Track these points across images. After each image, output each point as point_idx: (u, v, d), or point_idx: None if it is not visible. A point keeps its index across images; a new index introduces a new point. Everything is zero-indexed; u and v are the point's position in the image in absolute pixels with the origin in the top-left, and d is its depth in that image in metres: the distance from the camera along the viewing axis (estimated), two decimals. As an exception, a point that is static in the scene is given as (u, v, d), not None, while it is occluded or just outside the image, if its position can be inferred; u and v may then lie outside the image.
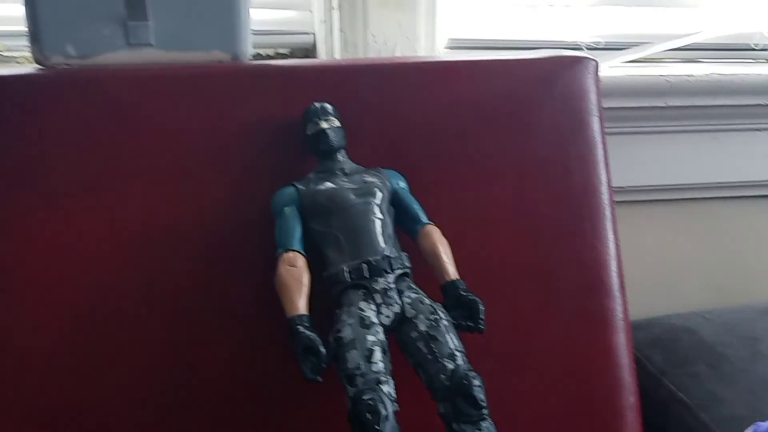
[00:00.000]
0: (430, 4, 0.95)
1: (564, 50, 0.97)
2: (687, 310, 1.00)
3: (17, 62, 0.92)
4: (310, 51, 1.00)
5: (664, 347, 0.90)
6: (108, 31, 0.67)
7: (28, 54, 0.91)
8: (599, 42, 1.04)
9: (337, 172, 0.65)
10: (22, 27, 0.83)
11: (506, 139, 0.72)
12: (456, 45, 1.01)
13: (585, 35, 1.05)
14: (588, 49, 1.03)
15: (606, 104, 0.84)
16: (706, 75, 0.94)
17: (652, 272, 1.03)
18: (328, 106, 0.66)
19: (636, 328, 0.94)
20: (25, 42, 0.89)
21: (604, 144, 0.75)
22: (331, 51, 0.96)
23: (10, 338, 0.62)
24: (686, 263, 1.05)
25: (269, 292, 0.60)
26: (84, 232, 0.64)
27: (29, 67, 0.69)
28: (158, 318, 0.65)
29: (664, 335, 0.92)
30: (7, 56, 0.91)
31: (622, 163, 0.95)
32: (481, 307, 0.62)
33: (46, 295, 0.63)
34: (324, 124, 0.65)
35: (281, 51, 1.00)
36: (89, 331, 0.64)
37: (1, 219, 0.63)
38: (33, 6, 0.66)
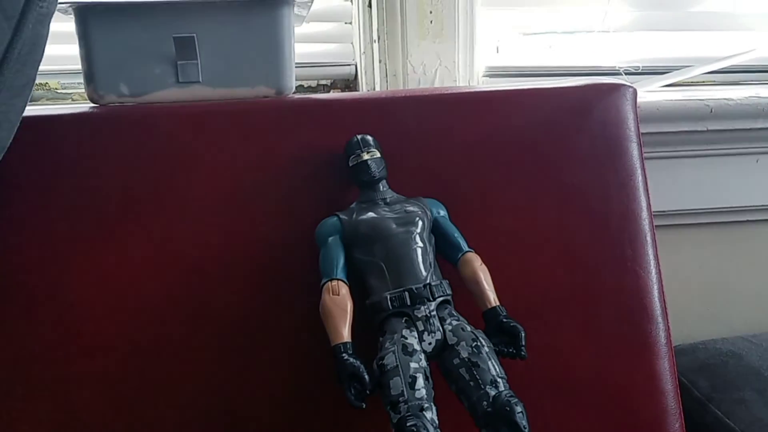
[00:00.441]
0: (468, 34, 0.97)
1: (602, 77, 0.98)
2: (732, 335, 0.99)
3: (72, 99, 0.96)
4: (351, 81, 1.02)
5: (709, 372, 0.89)
6: (159, 70, 0.70)
7: (82, 91, 0.95)
8: (637, 66, 1.04)
9: (379, 201, 0.67)
10: (76, 66, 0.87)
11: (545, 167, 0.73)
12: (494, 73, 1.03)
13: (623, 60, 1.05)
14: (626, 73, 1.03)
15: (645, 129, 0.85)
16: (746, 98, 0.94)
17: (696, 296, 1.02)
18: (369, 138, 0.68)
19: (680, 354, 0.94)
20: (79, 80, 0.94)
21: (643, 170, 0.75)
22: (372, 81, 0.98)
23: (69, 365, 0.65)
24: (731, 287, 1.04)
25: (314, 320, 0.62)
26: (137, 263, 0.66)
27: (84, 106, 0.72)
28: (208, 346, 0.67)
29: (710, 360, 0.91)
30: (62, 94, 0.96)
31: (664, 187, 0.95)
32: (523, 334, 0.63)
33: (101, 323, 0.66)
34: (366, 156, 0.67)
35: (323, 82, 1.03)
36: (141, 359, 0.66)
37: (60, 250, 0.66)
38: (88, 48, 0.69)
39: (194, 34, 0.69)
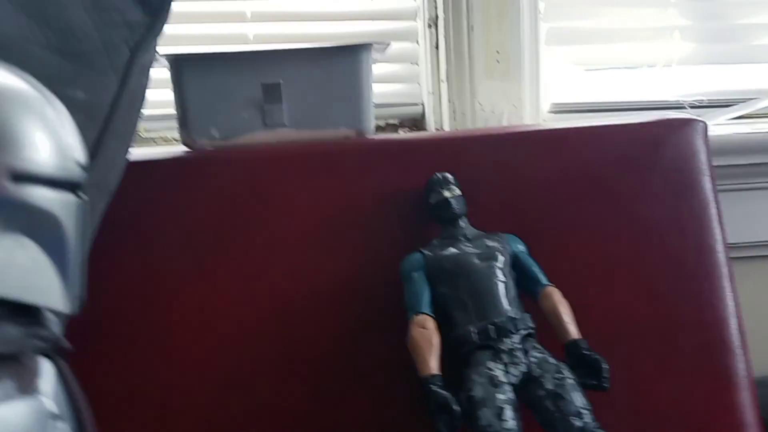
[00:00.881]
0: (533, 73, 0.99)
1: (670, 111, 0.99)
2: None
3: (155, 142, 1.00)
4: (418, 121, 1.05)
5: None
6: (247, 115, 0.73)
7: (164, 135, 1.00)
8: (702, 100, 1.05)
9: (460, 237, 0.69)
10: (160, 111, 0.92)
11: (619, 202, 0.75)
12: (560, 109, 1.04)
13: (687, 94, 1.06)
14: (691, 107, 1.04)
15: (716, 162, 0.85)
16: (821, 130, 0.95)
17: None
18: (449, 176, 0.71)
19: (762, 386, 0.93)
20: (162, 124, 0.99)
21: (716, 202, 0.76)
22: (439, 120, 1.01)
23: (168, 398, 0.68)
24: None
25: (400, 353, 0.64)
26: (231, 297, 0.70)
27: (178, 149, 0.76)
28: (298, 376, 0.69)
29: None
30: (147, 138, 1.00)
31: (738, 219, 0.95)
32: (605, 366, 0.64)
33: (198, 355, 0.69)
34: (447, 193, 0.69)
35: (391, 122, 1.06)
36: (236, 390, 0.69)
37: (159, 286, 0.69)
38: (182, 95, 0.73)
39: (280, 81, 0.72)
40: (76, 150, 0.36)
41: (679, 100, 1.05)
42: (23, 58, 0.59)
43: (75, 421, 0.35)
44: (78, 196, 0.35)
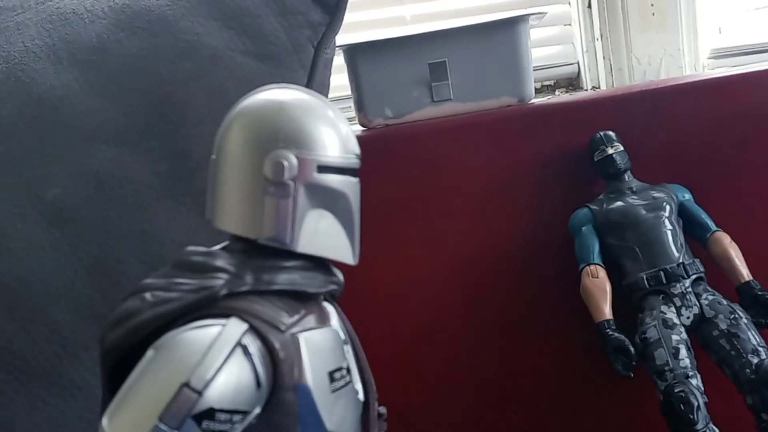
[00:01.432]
0: (690, 20, 0.99)
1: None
2: None
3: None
4: (574, 80, 1.08)
5: None
6: (416, 93, 0.80)
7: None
8: None
9: (626, 191, 0.72)
10: (333, 93, 1.00)
11: (787, 144, 0.75)
12: (719, 54, 1.03)
13: None
14: None
15: None
16: None
17: None
18: (611, 134, 0.74)
19: None
20: (337, 105, 1.08)
21: None
22: (596, 78, 1.03)
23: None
24: None
25: (573, 303, 0.70)
26: (414, 261, 0.77)
27: (356, 129, 0.84)
28: (480, 328, 0.76)
29: None
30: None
31: None
32: (781, 304, 0.66)
33: (387, 315, 0.77)
34: (610, 150, 0.73)
35: (546, 83, 1.10)
36: (423, 342, 0.77)
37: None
38: (357, 80, 0.81)
39: (446, 59, 0.79)
40: (352, 142, 0.46)
41: None
42: (229, 65, 0.69)
43: (352, 346, 0.47)
44: (356, 177, 0.46)
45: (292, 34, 0.72)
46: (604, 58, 1.01)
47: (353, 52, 0.80)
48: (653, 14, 0.97)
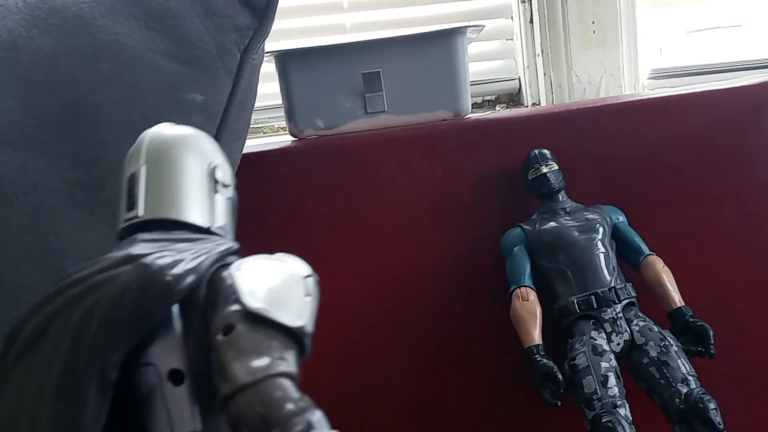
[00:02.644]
0: (631, 40, 0.98)
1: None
2: None
3: (263, 133, 1.07)
4: (515, 95, 1.06)
5: None
6: (349, 104, 0.77)
7: (271, 125, 1.06)
8: (813, 55, 1.01)
9: (560, 211, 0.71)
10: (264, 103, 0.97)
11: (723, 168, 0.74)
12: (659, 75, 1.03)
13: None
14: (800, 63, 1.01)
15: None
16: None
17: None
18: (546, 152, 0.72)
19: None
20: (268, 115, 1.05)
21: (828, 164, 0.74)
22: (536, 94, 1.02)
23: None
24: None
25: (503, 325, 0.67)
26: (343, 277, 0.74)
27: (286, 140, 0.81)
28: (408, 349, 0.74)
29: None
30: (255, 128, 1.07)
31: None
32: (711, 332, 0.65)
33: (315, 333, 0.74)
34: (544, 169, 0.71)
35: (488, 98, 1.08)
36: (351, 363, 0.74)
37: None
38: (288, 89, 0.78)
39: (380, 69, 0.76)
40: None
41: (787, 57, 1.02)
42: (149, 67, 0.65)
43: None
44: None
45: (218, 38, 0.68)
46: (544, 74, 0.99)
47: (284, 59, 0.77)
48: (594, 32, 0.96)
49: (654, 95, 0.79)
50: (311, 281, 0.40)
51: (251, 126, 1.07)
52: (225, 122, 0.69)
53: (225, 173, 0.48)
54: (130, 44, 0.65)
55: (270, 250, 0.75)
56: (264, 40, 0.71)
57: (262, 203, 0.76)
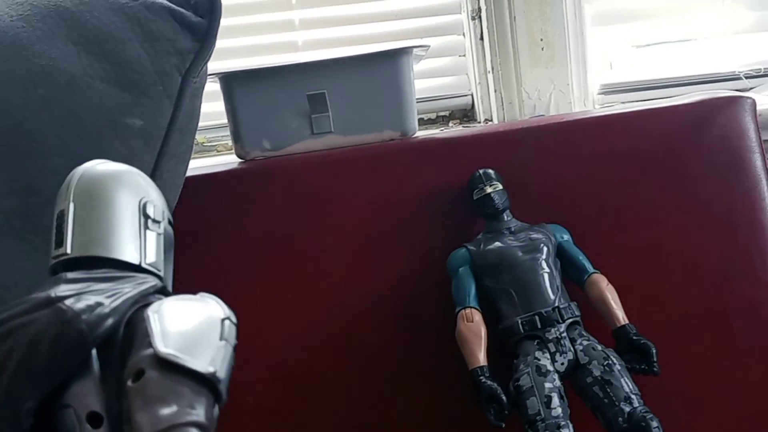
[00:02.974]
0: (580, 55, 0.99)
1: (721, 83, 0.98)
2: None
3: (217, 151, 1.06)
4: (468, 111, 1.07)
5: None
6: (295, 125, 0.77)
7: (225, 143, 1.05)
8: (759, 69, 1.03)
9: (504, 231, 0.71)
10: (219, 121, 0.97)
11: (666, 185, 0.75)
12: (609, 90, 1.04)
13: (743, 64, 1.04)
14: (747, 77, 1.02)
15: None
16: None
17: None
18: (491, 172, 0.72)
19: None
20: (222, 134, 1.04)
21: (768, 179, 0.75)
22: (488, 110, 1.03)
23: (233, 399, 0.72)
24: None
25: (449, 346, 0.67)
26: (287, 300, 0.74)
27: (233, 162, 0.80)
28: (353, 373, 0.73)
29: None
30: (208, 146, 1.06)
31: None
32: (654, 350, 0.65)
33: (259, 357, 0.73)
34: (488, 189, 0.71)
35: (442, 113, 1.08)
36: (296, 388, 0.73)
37: (219, 292, 0.74)
38: (234, 110, 0.77)
39: (325, 90, 0.76)
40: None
41: (735, 72, 1.03)
42: (87, 93, 0.64)
43: None
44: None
45: (158, 62, 0.67)
46: (495, 91, 1.00)
47: (229, 81, 0.76)
48: (542, 49, 0.97)
49: (597, 114, 0.80)
50: (228, 325, 0.39)
51: (204, 145, 1.07)
52: (166, 147, 0.68)
53: (156, 209, 0.48)
54: (68, 69, 0.65)
55: (216, 273, 0.75)
56: (206, 63, 0.70)
57: (208, 226, 0.75)
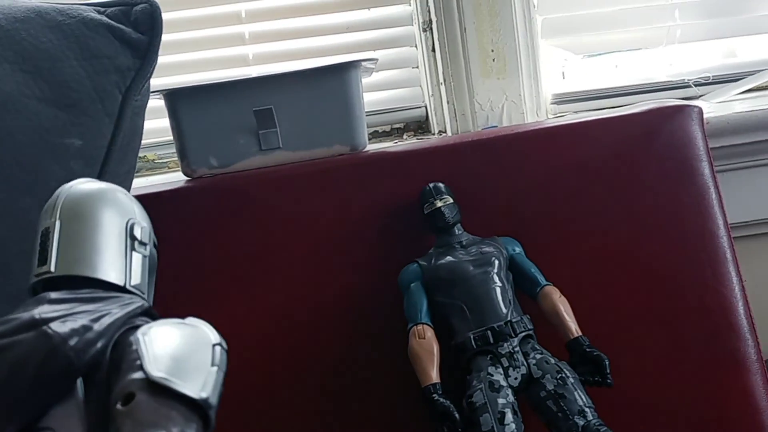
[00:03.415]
0: (531, 66, 0.99)
1: (671, 92, 0.99)
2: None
3: (168, 168, 1.04)
4: (423, 123, 1.06)
5: (810, 382, 0.87)
6: (243, 141, 0.76)
7: (176, 159, 1.03)
8: (708, 77, 1.04)
9: (456, 245, 0.70)
10: (169, 137, 0.95)
11: (616, 194, 0.75)
12: (561, 99, 1.04)
13: (692, 71, 1.05)
14: (696, 85, 1.03)
15: (718, 143, 0.85)
16: (820, 100, 0.93)
17: (792, 304, 1.00)
18: (441, 186, 0.72)
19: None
20: (172, 150, 1.02)
21: (716, 187, 0.75)
22: (442, 121, 1.02)
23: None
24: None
25: (402, 363, 0.66)
26: (237, 320, 0.72)
27: (180, 179, 0.79)
28: (305, 391, 0.72)
29: (811, 369, 0.89)
30: (159, 163, 1.04)
31: (743, 198, 0.95)
32: (607, 362, 0.65)
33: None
34: (439, 203, 0.70)
35: (396, 126, 1.08)
36: (247, 408, 0.71)
37: (163, 314, 0.72)
38: (179, 128, 0.76)
39: (271, 106, 0.75)
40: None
41: (684, 79, 1.04)
42: (23, 113, 0.62)
43: None
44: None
45: (97, 80, 0.66)
46: (448, 102, 1.00)
47: (173, 98, 0.75)
48: (494, 60, 0.97)
49: (548, 124, 0.80)
50: (219, 350, 0.39)
51: (155, 162, 1.05)
52: (107, 167, 0.66)
53: (144, 231, 0.48)
54: (3, 89, 0.62)
55: (162, 294, 0.72)
56: (147, 80, 0.69)
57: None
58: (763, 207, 0.97)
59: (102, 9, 0.69)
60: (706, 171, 0.76)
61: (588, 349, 0.66)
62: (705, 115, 0.78)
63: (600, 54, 1.09)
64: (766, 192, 0.96)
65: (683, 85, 1.04)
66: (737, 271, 0.74)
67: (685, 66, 1.06)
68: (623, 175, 0.75)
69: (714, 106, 0.98)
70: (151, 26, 0.68)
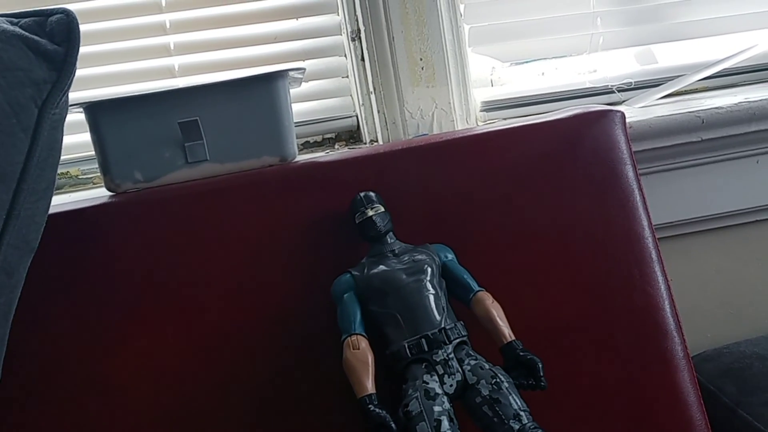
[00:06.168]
0: (460, 74, 1.00)
1: (595, 97, 1.01)
2: (757, 335, 1.00)
3: (93, 183, 1.01)
4: (354, 133, 1.06)
5: (736, 377, 0.89)
6: (168, 154, 0.74)
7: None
8: (630, 83, 1.07)
9: (388, 254, 0.70)
10: (92, 152, 0.92)
11: (544, 199, 0.76)
12: (490, 107, 1.06)
13: (616, 77, 1.08)
14: (619, 90, 1.06)
15: (641, 147, 0.87)
16: (736, 105, 0.95)
17: (716, 301, 1.03)
18: (372, 194, 0.71)
19: (706, 360, 0.95)
20: (96, 165, 0.99)
21: (640, 190, 0.77)
22: (373, 130, 1.02)
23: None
24: (748, 288, 1.04)
25: (338, 376, 0.65)
26: (165, 338, 0.70)
27: (104, 195, 0.76)
28: (238, 409, 0.70)
29: (736, 364, 0.92)
30: (83, 179, 1.01)
31: (667, 199, 0.97)
32: (540, 365, 0.66)
33: (139, 399, 0.69)
34: (370, 212, 0.70)
35: (328, 136, 1.07)
36: (178, 427, 0.69)
37: (92, 333, 0.70)
38: (101, 141, 0.73)
39: (197, 117, 0.73)
40: None
41: (607, 85, 1.07)
42: (-73, 129, 0.59)
43: None
44: None
45: (11, 94, 0.63)
46: (378, 111, 1.00)
47: (94, 111, 0.73)
48: (422, 68, 0.97)
49: (476, 131, 0.80)
50: None
51: (79, 177, 1.02)
52: (24, 183, 0.63)
53: None
54: None
55: (87, 312, 0.70)
56: (65, 93, 0.66)
57: (77, 265, 0.71)
58: (685, 208, 1.00)
59: (15, 20, 0.66)
60: (630, 174, 0.78)
61: (521, 353, 0.66)
62: (628, 120, 0.81)
63: (526, 61, 1.11)
64: (688, 193, 0.99)
65: (607, 91, 1.06)
66: (663, 271, 0.76)
67: (608, 72, 1.09)
68: (550, 179, 0.77)
69: (636, 111, 1.01)
70: (67, 37, 0.65)
